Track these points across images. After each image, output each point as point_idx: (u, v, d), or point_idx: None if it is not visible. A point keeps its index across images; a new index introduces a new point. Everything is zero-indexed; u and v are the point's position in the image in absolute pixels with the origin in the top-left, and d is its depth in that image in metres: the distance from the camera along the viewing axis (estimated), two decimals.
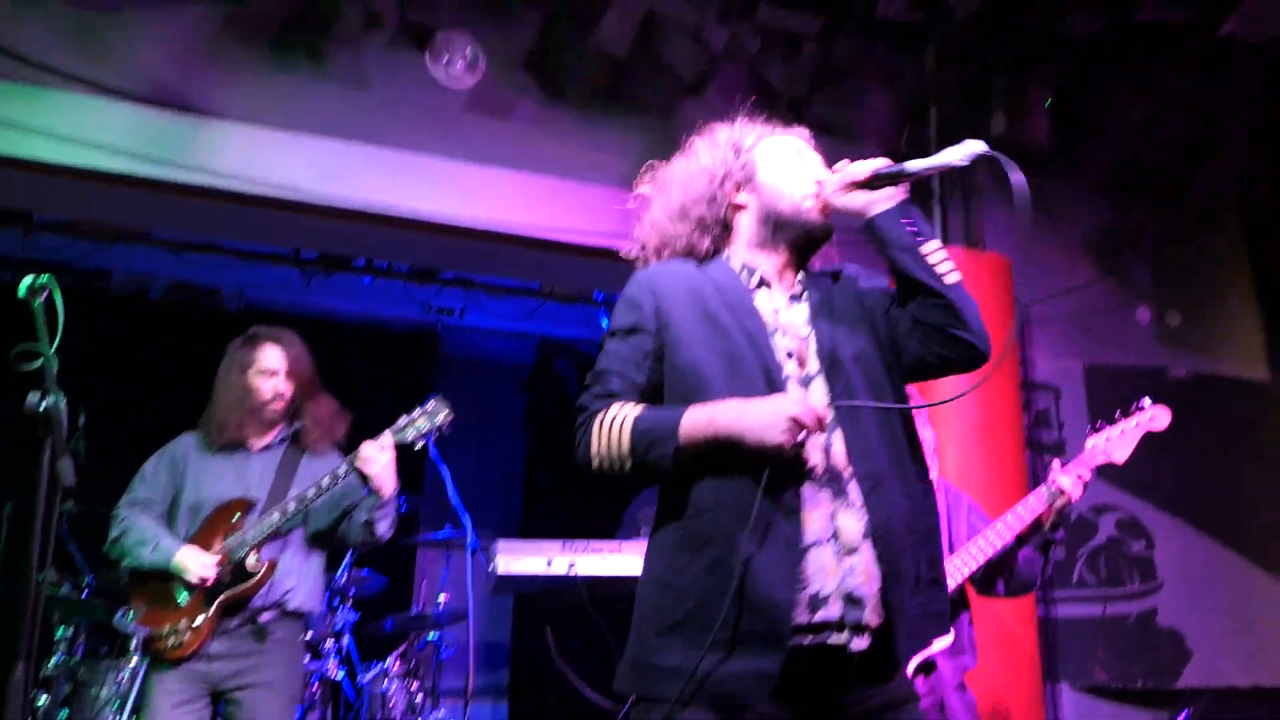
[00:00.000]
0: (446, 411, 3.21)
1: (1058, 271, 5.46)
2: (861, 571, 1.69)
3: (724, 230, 1.98)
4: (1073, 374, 5.37)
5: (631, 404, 1.80)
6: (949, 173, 5.23)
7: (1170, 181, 5.63)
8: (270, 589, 3.13)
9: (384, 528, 3.21)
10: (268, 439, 3.32)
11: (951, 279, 1.82)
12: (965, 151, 1.78)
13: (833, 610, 1.67)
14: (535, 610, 6.22)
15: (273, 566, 3.13)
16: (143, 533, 3.15)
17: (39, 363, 2.32)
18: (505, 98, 4.65)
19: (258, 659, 3.09)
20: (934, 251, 1.84)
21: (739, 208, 1.98)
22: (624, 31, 4.59)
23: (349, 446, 3.23)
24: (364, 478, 3.11)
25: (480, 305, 6.65)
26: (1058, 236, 5.57)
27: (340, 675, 4.46)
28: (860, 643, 1.68)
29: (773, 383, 1.76)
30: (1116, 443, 3.06)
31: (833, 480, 1.73)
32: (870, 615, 1.68)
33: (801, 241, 1.95)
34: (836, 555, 1.69)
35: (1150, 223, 5.76)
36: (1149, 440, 5.26)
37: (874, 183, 1.86)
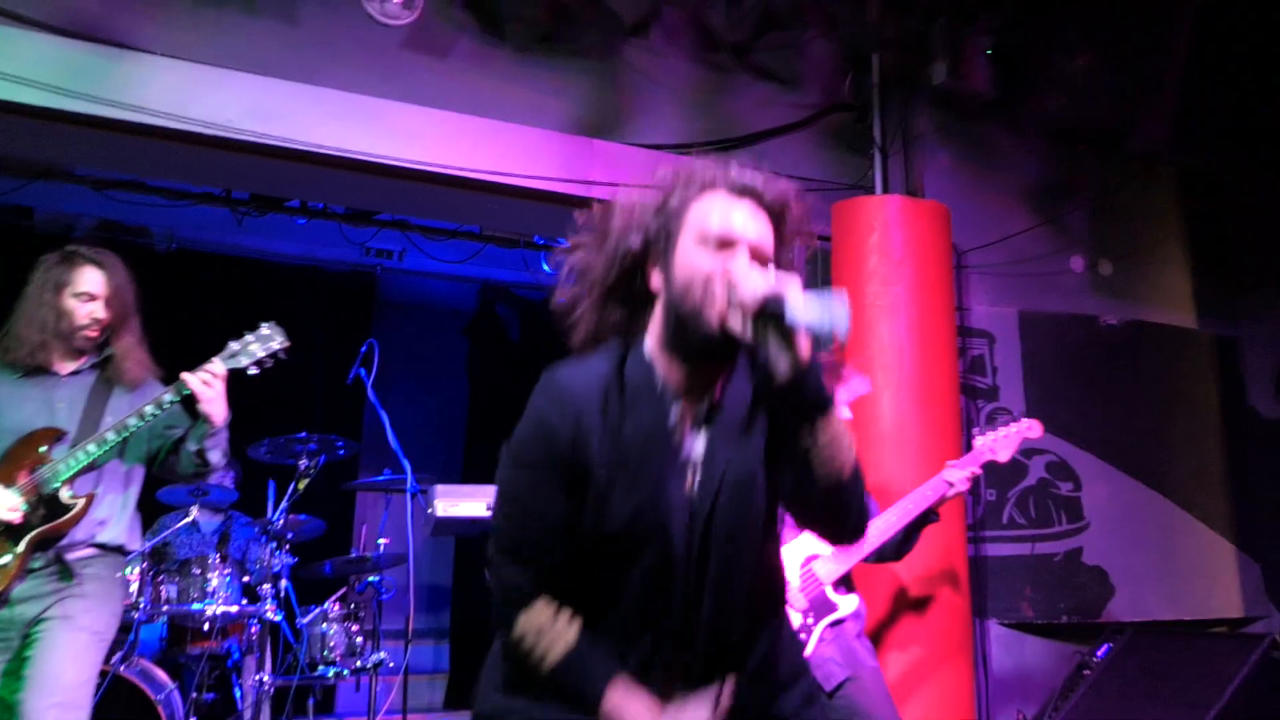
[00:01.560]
0: (282, 338, 3.05)
1: (996, 219, 5.52)
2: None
3: (642, 311, 1.68)
4: (1007, 320, 5.47)
5: (548, 615, 1.62)
6: (890, 120, 5.36)
7: (1108, 132, 5.70)
8: (82, 524, 2.88)
9: (216, 457, 3.00)
10: (75, 365, 3.03)
11: (848, 460, 1.58)
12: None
13: None
14: (477, 553, 6.25)
15: (91, 500, 2.89)
16: None
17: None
18: (443, 36, 4.55)
19: (64, 593, 2.83)
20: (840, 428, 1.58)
21: (653, 294, 1.67)
22: None
23: (170, 378, 3.01)
24: (194, 405, 2.92)
25: (419, 248, 6.57)
26: (997, 184, 5.63)
27: (279, 618, 4.46)
28: None
29: (667, 534, 1.60)
30: (1001, 443, 3.53)
31: (671, 615, 1.63)
32: None
33: (709, 350, 1.61)
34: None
35: (1087, 173, 5.84)
36: (1080, 385, 5.40)
37: (764, 317, 1.50)
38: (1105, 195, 5.83)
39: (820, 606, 3.19)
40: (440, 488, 4.01)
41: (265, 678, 4.26)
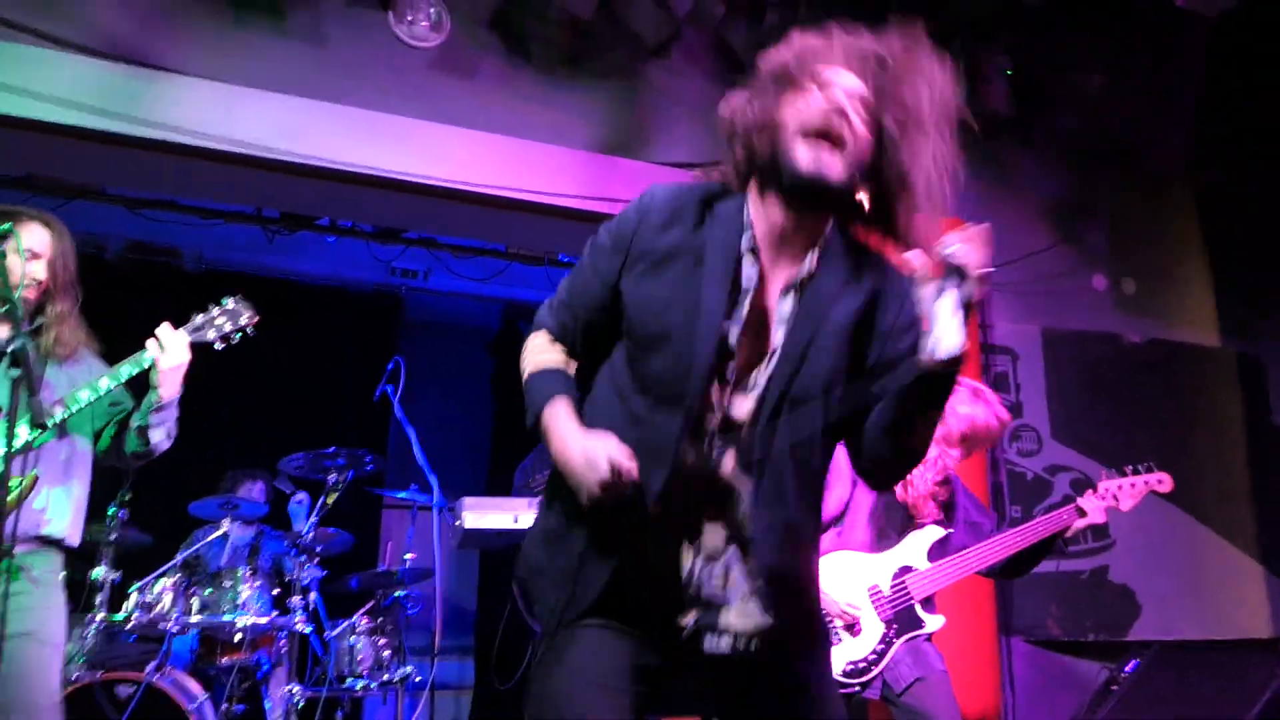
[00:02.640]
0: (250, 313, 2.90)
1: (1016, 237, 5.54)
2: (720, 579, 1.67)
3: (750, 171, 1.72)
4: (1031, 338, 5.48)
5: (546, 346, 1.80)
6: None
7: (1125, 150, 5.72)
8: (21, 514, 2.58)
9: (158, 436, 2.75)
10: (5, 332, 2.66)
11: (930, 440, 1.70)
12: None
13: (689, 616, 1.67)
14: (502, 568, 6.27)
15: (35, 480, 2.59)
16: None
17: (5, 308, 2.35)
18: (469, 58, 4.64)
19: (13, 601, 2.50)
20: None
21: (752, 152, 1.70)
22: None
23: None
24: (144, 388, 2.69)
25: (445, 267, 6.64)
26: (1016, 202, 5.65)
27: (308, 630, 4.50)
28: (717, 643, 1.67)
29: (689, 371, 1.63)
30: (1126, 492, 3.36)
31: (709, 491, 1.67)
32: (733, 620, 1.67)
33: (801, 193, 1.62)
34: (699, 562, 1.67)
35: (1106, 191, 5.86)
36: (1104, 403, 5.36)
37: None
38: (1125, 213, 5.84)
39: (906, 622, 3.14)
40: (468, 500, 4.06)
41: (295, 689, 4.29)
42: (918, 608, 3.17)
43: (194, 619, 4.25)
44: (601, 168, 4.76)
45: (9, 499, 2.48)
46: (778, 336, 1.65)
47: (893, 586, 3.17)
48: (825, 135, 1.60)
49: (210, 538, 4.66)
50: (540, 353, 1.80)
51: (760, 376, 1.65)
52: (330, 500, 4.67)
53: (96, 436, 2.78)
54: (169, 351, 2.67)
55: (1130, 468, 3.42)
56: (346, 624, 4.66)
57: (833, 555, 3.18)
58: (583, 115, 4.81)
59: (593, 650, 1.66)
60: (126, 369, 2.68)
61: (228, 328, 2.86)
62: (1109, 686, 4.49)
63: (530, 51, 4.75)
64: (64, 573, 2.74)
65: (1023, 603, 5.06)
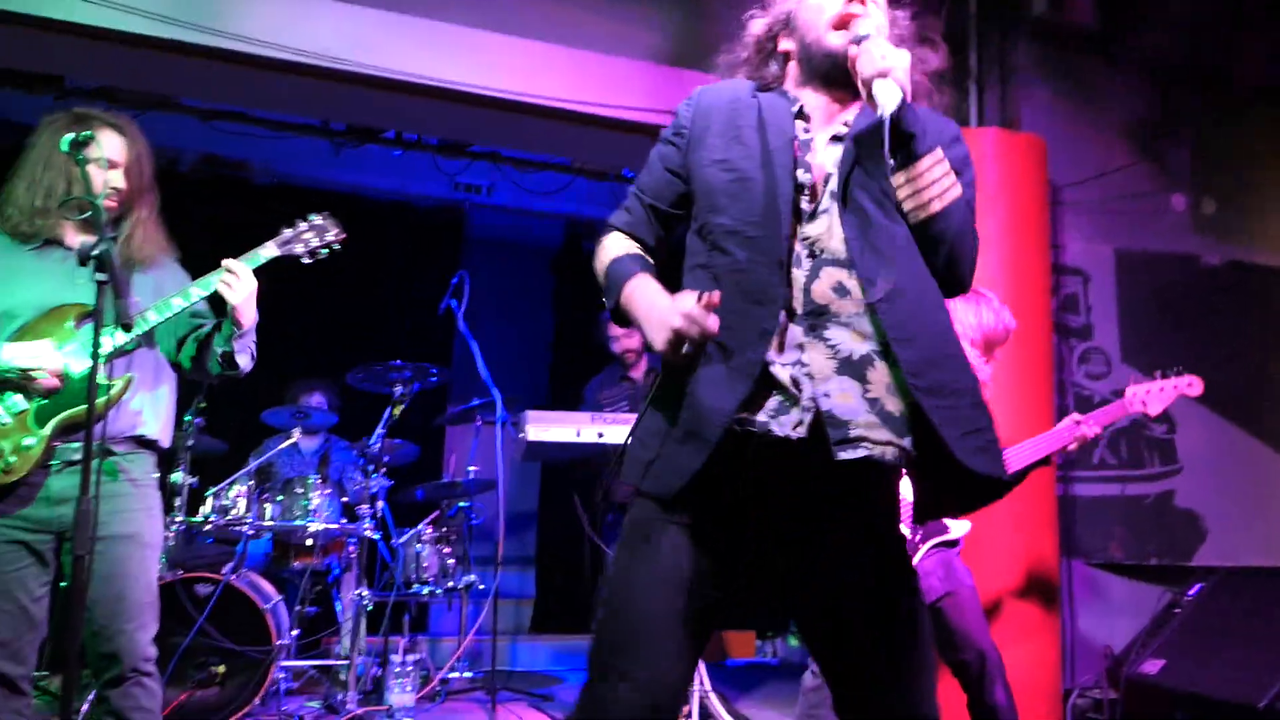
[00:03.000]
0: (337, 230, 2.88)
1: (1094, 154, 5.37)
2: (839, 394, 1.67)
3: (781, 73, 1.96)
4: (1103, 259, 5.34)
5: (617, 240, 1.90)
6: (987, 52, 5.22)
7: (1213, 66, 5.49)
8: (117, 412, 2.58)
9: (244, 360, 2.74)
10: (92, 240, 2.59)
11: (937, 202, 1.75)
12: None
13: (791, 415, 1.67)
14: (563, 481, 6.38)
15: (130, 382, 2.58)
16: None
17: (88, 213, 2.37)
18: None
19: (111, 503, 2.51)
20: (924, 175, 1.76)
21: (786, 54, 1.95)
22: None
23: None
24: (223, 302, 2.64)
25: (509, 181, 6.63)
26: (1096, 119, 5.46)
27: (377, 537, 4.63)
28: (851, 453, 1.65)
29: (772, 209, 1.74)
30: (1155, 396, 3.41)
31: (812, 315, 1.71)
32: (864, 430, 1.66)
33: (834, 74, 1.84)
34: (804, 370, 1.69)
35: (1190, 109, 5.63)
36: (1177, 327, 5.24)
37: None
38: (1207, 132, 5.62)
39: (931, 528, 3.17)
40: (532, 413, 4.10)
41: (364, 593, 4.44)
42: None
43: (267, 524, 4.40)
44: (667, 79, 4.68)
45: (107, 396, 2.49)
46: (831, 167, 1.82)
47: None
48: (846, 23, 1.83)
49: (281, 446, 4.79)
50: (612, 247, 1.89)
51: (824, 198, 1.79)
52: (397, 412, 4.76)
53: (178, 346, 2.77)
54: (236, 285, 2.63)
55: (1159, 373, 3.48)
56: (413, 532, 4.79)
57: None
58: (649, 25, 4.72)
59: (674, 549, 1.70)
60: (195, 291, 2.64)
61: (315, 243, 2.85)
62: (1170, 610, 4.46)
63: None
64: (157, 474, 2.75)
65: (1085, 526, 5.03)
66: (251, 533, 4.35)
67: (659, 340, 1.66)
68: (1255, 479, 5.35)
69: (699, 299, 1.61)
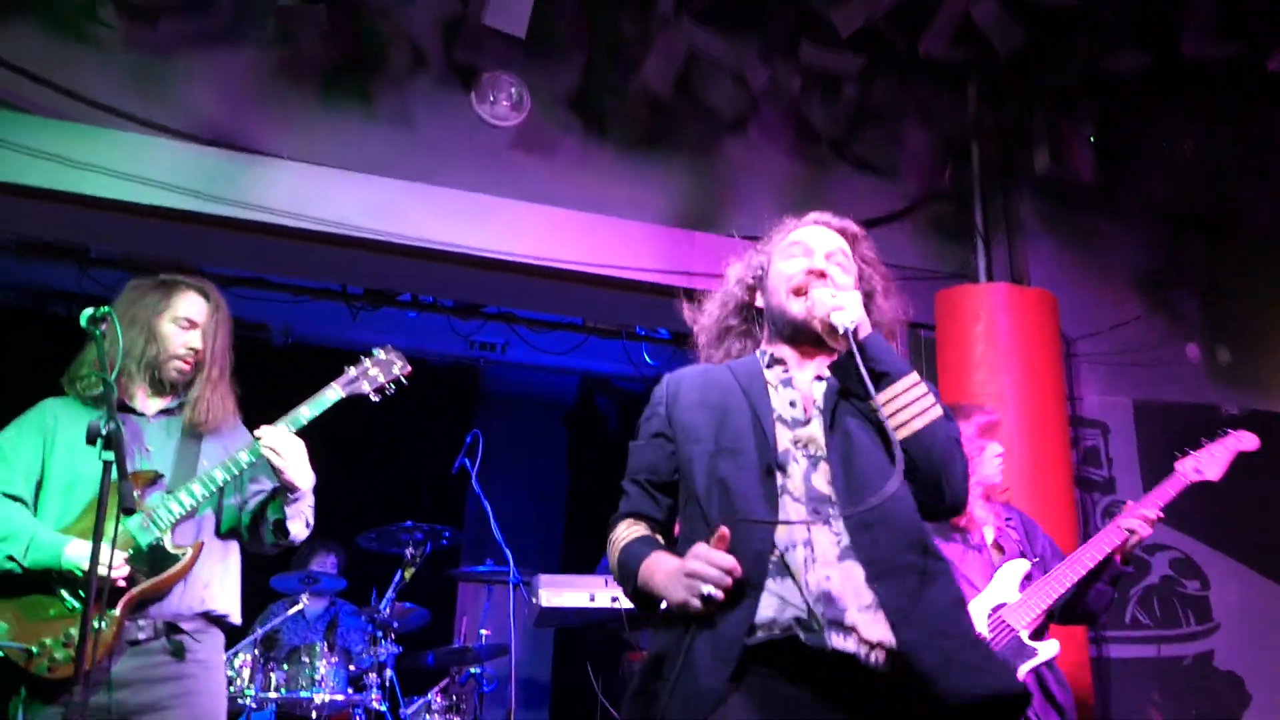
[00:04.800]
0: (402, 363, 2.81)
1: (1105, 307, 5.40)
2: (837, 581, 1.70)
3: (756, 325, 2.12)
4: (1122, 410, 5.29)
5: (633, 525, 1.93)
6: (992, 207, 5.32)
7: (1218, 215, 5.57)
8: (186, 585, 2.49)
9: (298, 527, 2.63)
10: (162, 403, 2.66)
11: (918, 421, 1.85)
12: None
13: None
14: (577, 646, 6.19)
15: (200, 549, 2.50)
16: (7, 527, 2.43)
17: (101, 389, 2.37)
18: (549, 136, 4.72)
19: (176, 686, 2.42)
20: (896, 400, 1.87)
21: (759, 310, 2.10)
22: (666, 71, 4.65)
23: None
24: (272, 468, 2.55)
25: (522, 340, 6.70)
26: (1104, 271, 5.51)
27: (384, 708, 4.47)
28: (845, 644, 1.65)
29: (761, 433, 1.84)
30: (1207, 462, 3.19)
31: (814, 501, 1.78)
32: (859, 625, 1.66)
33: (799, 336, 1.98)
34: (810, 560, 1.72)
35: (1198, 257, 5.68)
36: (1201, 481, 5.16)
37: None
38: (1217, 280, 5.66)
39: (1016, 653, 3.02)
40: (544, 578, 4.03)
41: None
42: (1024, 636, 3.04)
43: (271, 695, 4.26)
44: (679, 242, 4.77)
45: (176, 567, 2.44)
46: (815, 392, 1.93)
47: (990, 625, 3.06)
48: (804, 291, 1.97)
49: (289, 613, 4.69)
50: (619, 537, 1.92)
51: (816, 444, 1.86)
52: (408, 575, 4.67)
53: (238, 517, 2.68)
54: (280, 450, 2.53)
55: (1204, 439, 3.24)
56: (422, 701, 4.63)
57: None
58: (661, 190, 4.84)
59: None
60: (246, 456, 2.56)
61: (381, 379, 2.77)
62: None
63: (609, 129, 4.82)
64: (224, 654, 2.64)
65: (1122, 689, 4.82)
66: (255, 705, 4.21)
67: (678, 593, 1.69)
68: None
69: (713, 540, 1.67)
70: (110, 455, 2.15)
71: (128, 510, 2.19)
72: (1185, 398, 5.41)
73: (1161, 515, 3.10)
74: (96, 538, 2.07)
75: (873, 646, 1.66)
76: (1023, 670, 3.01)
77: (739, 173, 5.01)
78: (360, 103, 4.46)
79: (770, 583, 1.69)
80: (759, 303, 2.09)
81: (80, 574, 2.32)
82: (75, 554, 2.37)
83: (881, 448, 1.83)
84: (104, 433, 2.13)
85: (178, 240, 4.32)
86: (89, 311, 2.45)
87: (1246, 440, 3.21)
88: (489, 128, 4.57)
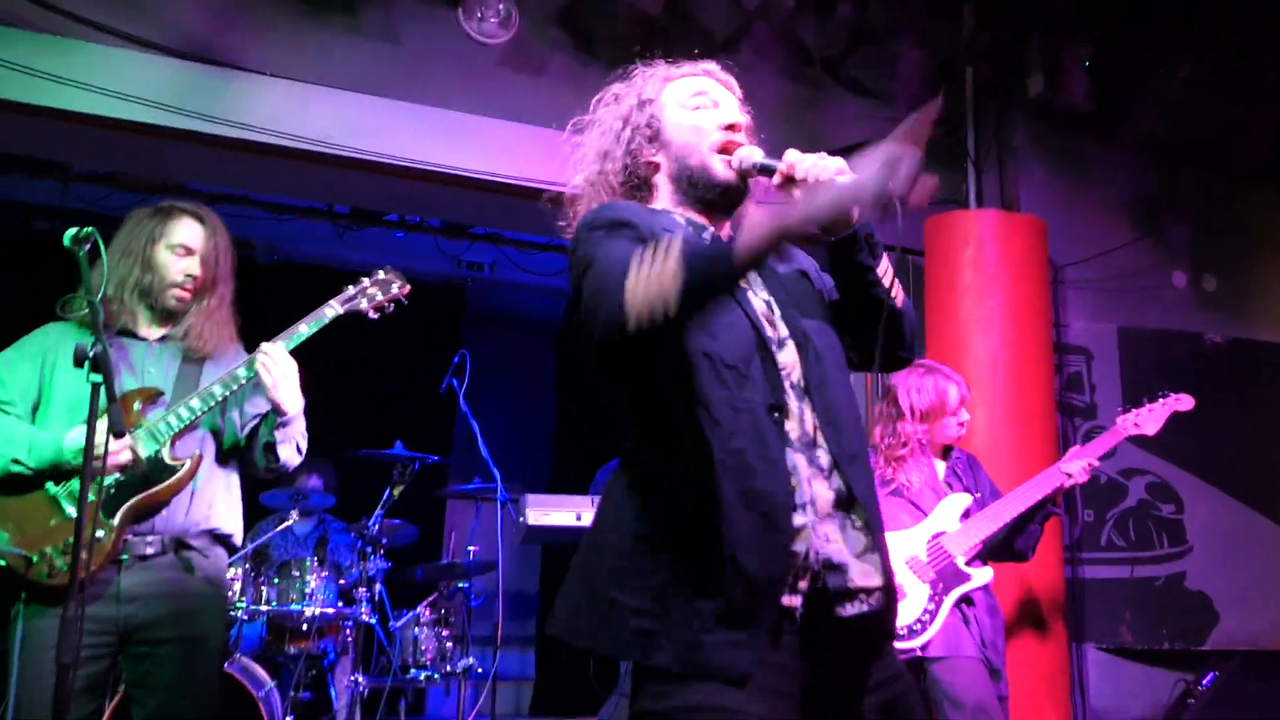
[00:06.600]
0: (401, 282, 2.80)
1: (1094, 234, 5.40)
2: (837, 539, 1.61)
3: (646, 188, 1.85)
4: (1106, 337, 5.33)
5: (650, 257, 1.52)
6: (984, 133, 5.27)
7: (1211, 144, 5.53)
8: (192, 502, 2.51)
9: (287, 452, 2.61)
10: (163, 330, 2.66)
11: (901, 298, 1.80)
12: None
13: (801, 579, 1.58)
14: (565, 560, 6.30)
15: (198, 461, 2.50)
16: (5, 432, 2.44)
17: (85, 310, 2.36)
18: (538, 54, 4.63)
19: (184, 603, 2.42)
20: (888, 268, 1.77)
21: (654, 166, 1.84)
22: None
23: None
24: (262, 384, 2.55)
25: (510, 261, 6.68)
26: (1095, 198, 5.50)
27: (373, 621, 4.56)
28: (853, 608, 1.61)
29: (761, 338, 1.65)
30: (1146, 418, 3.44)
31: (807, 447, 1.64)
32: (856, 578, 1.61)
33: (720, 202, 1.81)
34: (815, 522, 1.60)
35: (1190, 185, 5.67)
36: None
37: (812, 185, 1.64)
38: (1208, 208, 5.65)
39: (951, 576, 3.19)
40: (531, 497, 4.08)
41: (359, 679, 4.36)
42: (960, 562, 3.21)
43: (263, 607, 4.34)
44: None
45: (175, 478, 2.44)
46: (763, 292, 1.76)
47: (929, 551, 3.23)
48: (730, 150, 1.79)
49: (277, 529, 4.75)
50: (658, 259, 1.48)
51: (780, 327, 1.71)
52: (396, 492, 4.72)
53: (235, 437, 2.66)
54: (274, 368, 2.54)
55: (1145, 398, 3.51)
56: (411, 615, 4.72)
57: None
58: None
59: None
60: (242, 372, 2.56)
61: (380, 297, 2.77)
62: (1185, 699, 4.36)
63: (598, 48, 4.73)
64: (227, 572, 2.65)
65: (1095, 608, 4.94)
66: (246, 616, 4.29)
67: (882, 180, 1.46)
68: (1266, 559, 5.26)
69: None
70: (98, 377, 2.15)
71: (117, 434, 2.20)
72: (1170, 325, 5.44)
73: (1097, 465, 3.33)
74: (87, 458, 2.09)
75: (871, 593, 1.64)
76: (953, 595, 3.17)
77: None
78: (345, 18, 4.36)
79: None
80: (652, 158, 1.83)
81: (79, 460, 2.30)
82: (76, 439, 2.37)
83: (839, 353, 1.76)
84: (91, 355, 2.13)
85: (160, 157, 4.27)
86: (72, 231, 2.43)
87: (1184, 402, 3.48)
88: (476, 45, 4.48)
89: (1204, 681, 4.32)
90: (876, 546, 1.65)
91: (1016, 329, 4.61)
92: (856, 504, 1.64)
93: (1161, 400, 3.47)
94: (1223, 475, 5.28)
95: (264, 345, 2.58)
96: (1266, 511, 5.32)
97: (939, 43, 5.23)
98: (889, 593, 1.66)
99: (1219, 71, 5.20)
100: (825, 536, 1.60)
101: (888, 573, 1.66)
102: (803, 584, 1.57)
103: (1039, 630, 4.34)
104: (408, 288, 2.82)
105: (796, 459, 1.61)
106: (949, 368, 3.54)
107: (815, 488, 1.61)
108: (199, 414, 2.51)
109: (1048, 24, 5.06)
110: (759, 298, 1.73)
